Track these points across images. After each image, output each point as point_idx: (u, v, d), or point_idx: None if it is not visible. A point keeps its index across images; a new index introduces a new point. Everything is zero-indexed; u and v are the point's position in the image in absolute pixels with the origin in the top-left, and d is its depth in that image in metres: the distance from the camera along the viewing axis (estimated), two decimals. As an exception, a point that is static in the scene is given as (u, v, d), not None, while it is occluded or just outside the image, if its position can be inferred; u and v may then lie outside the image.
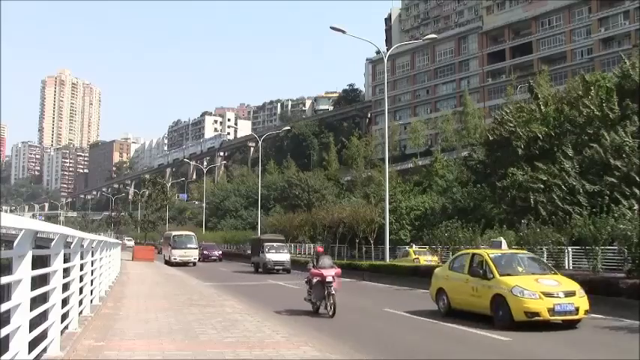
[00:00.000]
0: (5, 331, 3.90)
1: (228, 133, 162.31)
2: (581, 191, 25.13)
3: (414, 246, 30.89)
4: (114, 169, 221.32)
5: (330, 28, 26.24)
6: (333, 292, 11.92)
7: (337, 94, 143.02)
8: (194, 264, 36.36)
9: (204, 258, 41.63)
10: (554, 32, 78.80)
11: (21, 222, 3.93)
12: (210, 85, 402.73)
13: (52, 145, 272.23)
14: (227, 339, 7.84)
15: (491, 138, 33.30)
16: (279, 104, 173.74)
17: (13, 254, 4.18)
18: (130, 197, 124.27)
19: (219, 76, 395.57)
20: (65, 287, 6.32)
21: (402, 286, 20.18)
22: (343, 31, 26.29)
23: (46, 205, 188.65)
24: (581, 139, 27.81)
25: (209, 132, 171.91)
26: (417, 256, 27.47)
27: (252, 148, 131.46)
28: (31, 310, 4.45)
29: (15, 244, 4.15)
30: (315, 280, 12.31)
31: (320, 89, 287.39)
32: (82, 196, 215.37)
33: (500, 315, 10.49)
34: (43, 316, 5.29)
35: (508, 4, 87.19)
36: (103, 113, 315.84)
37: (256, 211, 54.53)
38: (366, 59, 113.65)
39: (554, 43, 78.69)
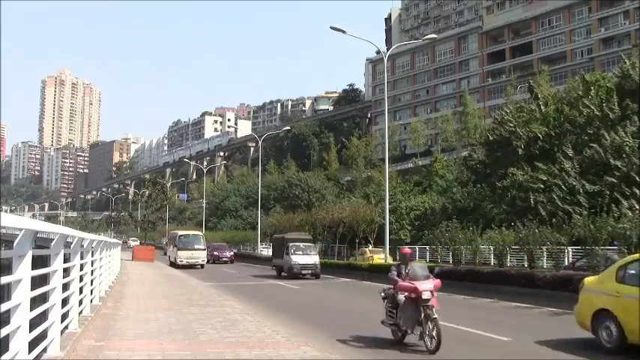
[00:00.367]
0: (5, 331, 3.90)
1: (229, 133, 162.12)
2: (581, 191, 25.15)
3: (370, 246, 35.23)
4: (114, 169, 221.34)
5: (330, 28, 26.25)
6: (435, 315, 8.14)
7: (337, 94, 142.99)
8: (202, 266, 33.67)
9: (214, 260, 39.16)
10: (554, 32, 78.79)
11: (21, 222, 3.92)
12: (210, 85, 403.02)
13: (52, 145, 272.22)
14: (227, 339, 7.83)
15: (491, 138, 33.33)
16: (279, 104, 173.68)
17: (13, 254, 4.17)
18: (130, 197, 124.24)
19: (219, 76, 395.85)
20: (65, 287, 6.31)
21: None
22: (343, 31, 26.29)
23: (46, 205, 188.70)
24: (581, 139, 27.84)
25: (209, 132, 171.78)
26: (371, 254, 31.16)
27: (252, 148, 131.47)
28: (31, 310, 4.45)
29: (15, 244, 4.15)
30: (402, 297, 8.53)
31: (320, 89, 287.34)
32: (82, 196, 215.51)
33: None
34: (43, 316, 5.28)
35: (508, 4, 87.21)
36: (103, 113, 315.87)
37: (256, 211, 54.52)
38: (366, 59, 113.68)
39: (554, 43, 78.68)
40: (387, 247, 26.06)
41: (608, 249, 17.10)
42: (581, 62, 73.46)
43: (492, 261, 23.43)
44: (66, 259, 6.36)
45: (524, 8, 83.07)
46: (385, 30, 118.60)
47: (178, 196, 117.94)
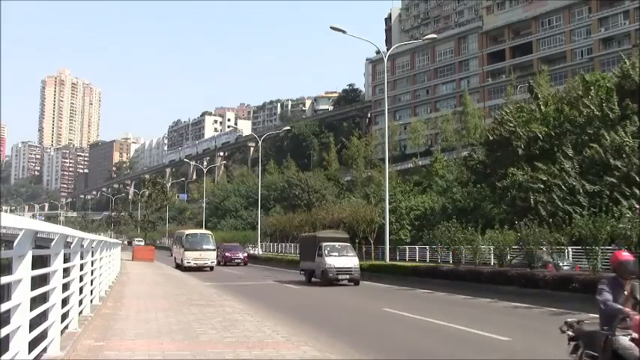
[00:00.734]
0: (5, 331, 3.90)
1: (237, 130, 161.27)
2: (581, 191, 25.15)
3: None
4: (114, 169, 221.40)
5: (330, 28, 26.26)
6: None
7: (337, 94, 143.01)
8: (211, 268, 30.90)
9: (225, 261, 36.59)
10: (554, 32, 78.80)
11: (21, 222, 3.92)
12: (210, 85, 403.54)
13: (52, 145, 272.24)
14: (227, 339, 7.83)
15: (491, 138, 33.33)
16: (279, 104, 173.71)
17: (13, 254, 4.17)
18: (130, 197, 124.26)
19: (219, 76, 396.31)
20: (65, 287, 6.31)
21: (403, 286, 20.22)
22: (343, 31, 26.31)
23: (46, 205, 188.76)
24: (581, 139, 27.84)
25: (209, 132, 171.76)
26: None
27: (252, 148, 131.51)
28: (31, 310, 4.44)
29: (15, 244, 4.15)
30: (630, 342, 4.83)
31: (320, 89, 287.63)
32: (82, 196, 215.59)
33: None
34: (43, 316, 5.28)
35: (508, 4, 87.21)
36: (103, 113, 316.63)
37: (256, 211, 54.51)
38: (366, 59, 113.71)
39: (554, 43, 78.69)
40: (387, 247, 26.04)
41: (608, 249, 17.13)
42: (581, 62, 73.47)
43: (492, 261, 23.46)
44: (66, 259, 6.35)
45: (524, 8, 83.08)
46: (385, 30, 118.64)
47: (178, 196, 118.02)
